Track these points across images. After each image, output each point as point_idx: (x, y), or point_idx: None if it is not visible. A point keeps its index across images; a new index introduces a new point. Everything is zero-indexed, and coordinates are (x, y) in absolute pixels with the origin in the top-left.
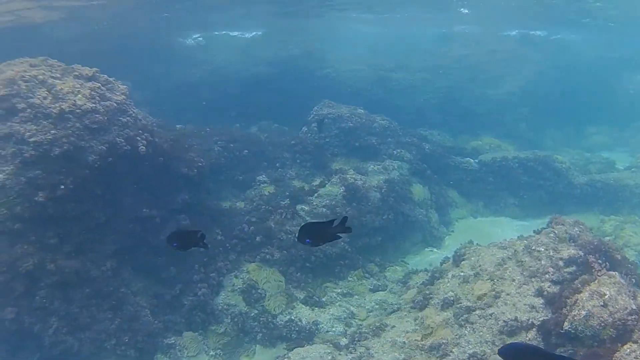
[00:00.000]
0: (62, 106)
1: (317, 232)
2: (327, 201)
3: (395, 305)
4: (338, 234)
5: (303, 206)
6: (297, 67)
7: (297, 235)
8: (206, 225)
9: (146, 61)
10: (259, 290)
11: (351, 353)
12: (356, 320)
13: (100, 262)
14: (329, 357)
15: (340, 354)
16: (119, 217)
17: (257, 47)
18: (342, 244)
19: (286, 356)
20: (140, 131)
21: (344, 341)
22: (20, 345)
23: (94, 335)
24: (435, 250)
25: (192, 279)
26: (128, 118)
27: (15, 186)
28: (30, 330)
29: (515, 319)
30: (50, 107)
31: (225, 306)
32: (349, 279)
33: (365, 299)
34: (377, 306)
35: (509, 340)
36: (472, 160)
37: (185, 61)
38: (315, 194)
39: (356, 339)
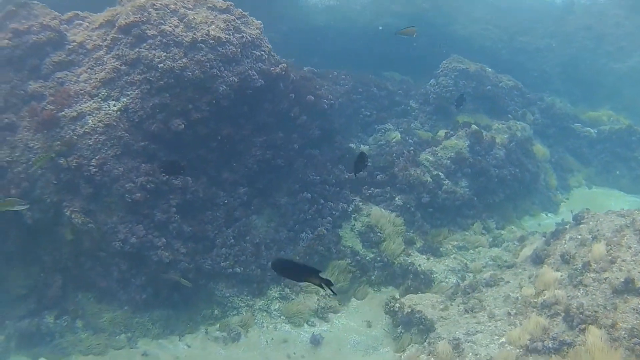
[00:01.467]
0: (194, 35)
1: (290, 271)
2: (452, 153)
3: (510, 263)
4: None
5: (427, 156)
6: (425, 21)
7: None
8: (335, 160)
9: (276, 1)
10: (378, 234)
11: (464, 303)
12: (470, 274)
13: (232, 189)
14: (441, 306)
15: (452, 305)
16: (252, 146)
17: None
18: (469, 193)
19: (399, 300)
20: (273, 66)
21: (457, 292)
22: (135, 265)
23: (212, 260)
24: (550, 215)
25: (316, 215)
26: (262, 52)
27: (139, 110)
28: (153, 246)
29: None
30: (181, 36)
31: (342, 245)
32: (466, 232)
33: (480, 254)
34: (491, 262)
35: (621, 304)
36: (591, 130)
37: (314, 5)
38: (440, 145)
39: (469, 290)
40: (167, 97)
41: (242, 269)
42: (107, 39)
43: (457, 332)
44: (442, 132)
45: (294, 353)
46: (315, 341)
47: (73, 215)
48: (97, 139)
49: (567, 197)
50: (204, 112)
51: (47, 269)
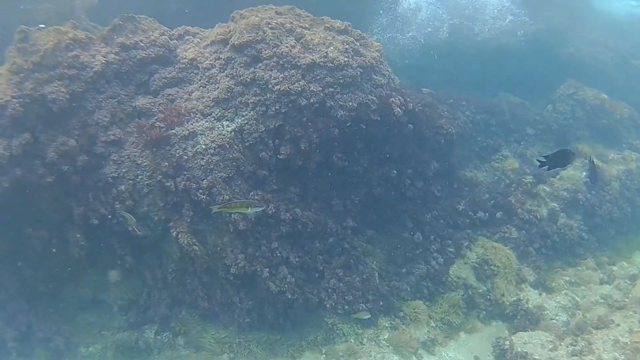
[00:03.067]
0: (312, 57)
1: None
2: (569, 185)
3: (621, 302)
4: None
5: (545, 187)
6: (540, 42)
7: None
8: (452, 193)
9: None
10: (491, 267)
11: (572, 345)
12: (580, 312)
13: (340, 219)
14: (550, 346)
15: (561, 345)
16: (365, 177)
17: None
18: (580, 231)
19: (508, 338)
20: (393, 92)
21: (566, 332)
22: (247, 290)
23: (319, 290)
24: None
25: (429, 248)
26: (381, 77)
27: (253, 132)
28: (256, 275)
29: None
30: (299, 57)
31: (455, 278)
32: (579, 268)
33: (591, 291)
34: (602, 300)
35: None
36: None
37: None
38: (558, 176)
39: (579, 331)
40: (281, 120)
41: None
42: (220, 57)
43: None
44: None
45: None
46: None
47: (180, 236)
48: (210, 160)
49: None
50: (317, 140)
51: (149, 284)
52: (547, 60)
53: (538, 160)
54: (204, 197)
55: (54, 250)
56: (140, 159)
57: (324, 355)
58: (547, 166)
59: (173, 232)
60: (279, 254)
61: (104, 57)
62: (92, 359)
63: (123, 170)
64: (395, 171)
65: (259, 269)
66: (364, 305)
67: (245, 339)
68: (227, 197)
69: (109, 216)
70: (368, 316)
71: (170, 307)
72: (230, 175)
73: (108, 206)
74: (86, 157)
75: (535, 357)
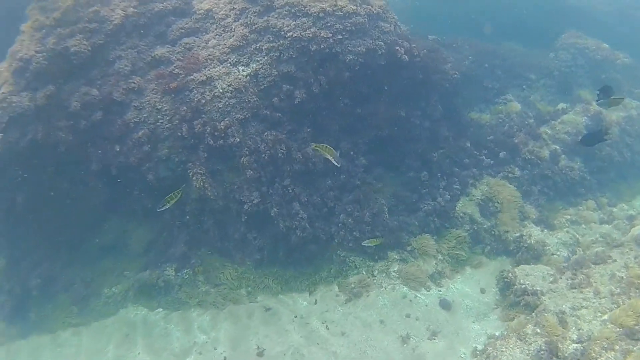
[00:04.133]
0: (322, 5)
1: None
2: (569, 128)
3: (618, 242)
4: None
5: (546, 129)
6: None
7: None
8: (457, 133)
9: None
10: (495, 204)
11: (572, 279)
12: (580, 249)
13: (353, 156)
14: (551, 279)
15: (561, 278)
16: (374, 116)
17: None
18: (580, 172)
19: (512, 270)
20: (399, 38)
21: (566, 266)
22: (257, 227)
23: (330, 225)
24: None
25: (438, 184)
26: (388, 24)
27: (267, 76)
28: (268, 214)
29: None
30: (310, 5)
31: (461, 214)
32: (580, 207)
33: (591, 230)
34: (600, 238)
35: None
36: None
37: None
38: (559, 119)
39: (579, 266)
40: (293, 65)
41: (360, 234)
42: (235, 7)
43: (563, 306)
44: (560, 106)
45: (411, 314)
46: (444, 304)
47: (194, 177)
48: (227, 103)
49: None
50: (328, 84)
51: (168, 225)
52: (550, 9)
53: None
54: (225, 138)
55: (74, 199)
56: (161, 104)
57: (337, 287)
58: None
59: (190, 172)
60: (291, 191)
61: (123, 10)
62: (114, 299)
63: (144, 115)
64: (403, 112)
65: (271, 206)
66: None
67: (262, 273)
68: (247, 136)
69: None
70: (380, 241)
71: (189, 246)
72: (247, 116)
73: (131, 148)
74: (108, 105)
75: (537, 289)
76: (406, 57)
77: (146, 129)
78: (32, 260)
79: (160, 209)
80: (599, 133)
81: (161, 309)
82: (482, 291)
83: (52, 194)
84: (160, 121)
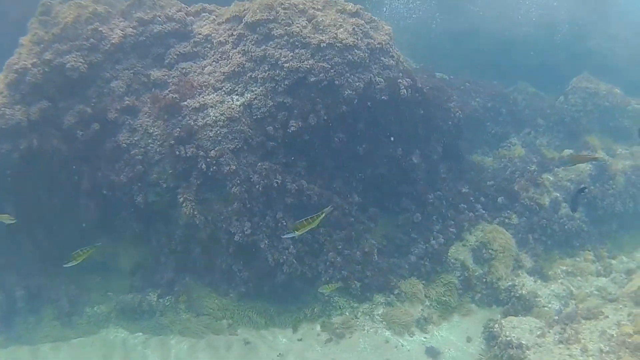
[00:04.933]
0: (322, 37)
1: None
2: (573, 176)
3: (614, 295)
4: None
5: (549, 176)
6: (562, 34)
7: None
8: (456, 176)
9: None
10: (489, 251)
11: (560, 334)
12: (573, 302)
13: (347, 194)
14: (539, 332)
15: (549, 332)
16: (370, 154)
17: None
18: (581, 223)
19: (498, 321)
20: (401, 74)
21: (557, 320)
22: (247, 258)
23: (317, 263)
24: None
25: (432, 227)
26: (390, 59)
27: (261, 107)
28: (258, 246)
29: None
30: (309, 37)
31: (453, 260)
32: (577, 258)
33: (587, 282)
34: (596, 292)
35: None
36: None
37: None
38: (562, 167)
39: (569, 320)
40: (289, 97)
41: (348, 274)
42: (234, 34)
43: None
44: (566, 152)
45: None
46: (429, 352)
47: (184, 204)
48: (218, 132)
49: None
50: (325, 116)
51: (155, 250)
52: (567, 52)
53: None
54: (214, 166)
55: (65, 215)
56: (153, 128)
57: (320, 326)
58: None
59: (180, 198)
60: (284, 223)
61: (122, 30)
62: (97, 318)
63: (135, 138)
64: (400, 151)
65: (261, 239)
66: (360, 282)
67: (245, 306)
68: (237, 167)
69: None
70: (336, 287)
71: (175, 272)
72: (238, 146)
73: (119, 172)
74: (98, 126)
75: (523, 342)
76: (405, 92)
77: (137, 151)
78: (20, 272)
79: (67, 265)
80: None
81: (141, 333)
82: (468, 340)
83: (42, 207)
84: (151, 145)
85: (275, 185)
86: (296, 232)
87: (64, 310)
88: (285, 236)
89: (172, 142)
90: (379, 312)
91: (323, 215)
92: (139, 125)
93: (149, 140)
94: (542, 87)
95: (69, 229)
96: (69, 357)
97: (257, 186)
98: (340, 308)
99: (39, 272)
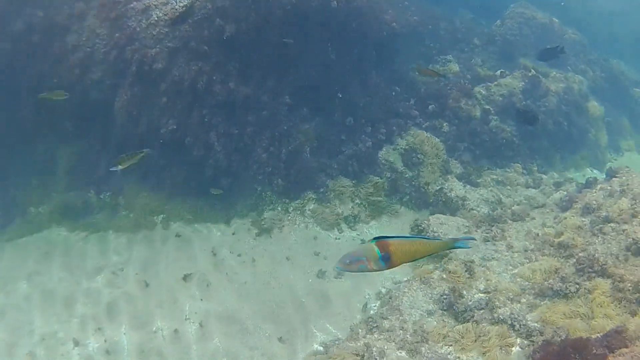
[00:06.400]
0: None
1: None
2: (505, 91)
3: (540, 203)
4: None
5: (481, 89)
6: None
7: None
8: (389, 82)
9: None
10: (418, 156)
11: (486, 232)
12: (501, 209)
13: (277, 95)
14: (465, 230)
15: (476, 231)
16: (304, 57)
17: None
18: (511, 135)
19: (426, 219)
20: None
21: (483, 220)
22: (172, 155)
23: (246, 159)
24: (596, 171)
25: (362, 130)
26: None
27: (201, 9)
28: (183, 143)
29: None
30: None
31: (383, 161)
32: (507, 169)
33: (516, 192)
34: (525, 201)
35: (632, 258)
36: None
37: None
38: (495, 82)
39: (496, 220)
40: (227, 2)
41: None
42: None
43: (473, 256)
44: (500, 71)
45: (320, 253)
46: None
47: (120, 103)
48: (160, 31)
49: (616, 157)
50: (255, 21)
51: (94, 148)
52: None
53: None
54: (154, 64)
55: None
56: (100, 29)
57: (252, 221)
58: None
59: (121, 94)
60: (207, 121)
61: None
62: (40, 218)
63: (83, 39)
64: (334, 56)
65: (186, 135)
66: (283, 180)
67: (176, 203)
68: (175, 65)
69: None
70: (220, 192)
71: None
72: (177, 46)
73: (66, 72)
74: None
75: (449, 237)
76: (336, 3)
77: (82, 52)
78: None
79: (113, 169)
80: (555, 49)
81: (81, 231)
82: None
83: None
84: (97, 45)
85: (200, 84)
86: (119, 166)
87: (7, 211)
88: (111, 168)
89: (116, 42)
90: (310, 208)
91: (143, 154)
92: (86, 27)
93: (96, 40)
94: (479, 15)
95: (10, 132)
96: (11, 256)
97: (185, 83)
98: (272, 203)
99: None
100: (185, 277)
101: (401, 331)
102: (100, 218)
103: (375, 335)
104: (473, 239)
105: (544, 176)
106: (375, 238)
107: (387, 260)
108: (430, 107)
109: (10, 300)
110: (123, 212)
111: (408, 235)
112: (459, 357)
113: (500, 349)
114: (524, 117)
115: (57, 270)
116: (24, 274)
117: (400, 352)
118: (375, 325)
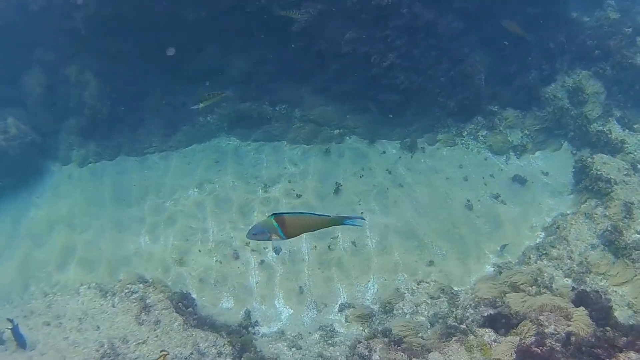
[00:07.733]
0: None
1: None
2: None
3: None
4: None
5: None
6: None
7: None
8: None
9: None
10: (584, 95)
11: None
12: None
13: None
14: (625, 172)
15: (635, 174)
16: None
17: None
18: None
19: (590, 156)
20: None
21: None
22: (351, 71)
23: (423, 80)
24: None
25: (528, 63)
26: None
27: None
28: (367, 59)
29: None
30: None
31: (551, 96)
32: None
33: None
34: None
35: None
36: None
37: None
38: None
39: None
40: None
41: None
42: None
43: (633, 198)
44: None
45: (490, 175)
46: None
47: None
48: None
49: None
50: None
51: (268, 58)
52: None
53: None
54: None
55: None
56: None
57: (426, 141)
58: None
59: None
60: (389, 41)
61: None
62: (208, 127)
63: None
64: None
65: (370, 53)
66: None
67: (350, 116)
68: None
69: None
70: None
71: (288, 81)
72: None
73: None
74: None
75: (611, 177)
76: None
77: None
78: (125, 79)
79: (194, 107)
80: None
81: (254, 141)
82: (560, 172)
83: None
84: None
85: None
86: (200, 104)
87: (174, 120)
88: (192, 107)
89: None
90: (483, 134)
91: (224, 94)
92: None
93: None
94: None
95: (174, 33)
96: (179, 163)
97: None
98: (447, 126)
99: (145, 79)
100: (363, 192)
101: (569, 260)
102: (274, 129)
103: (545, 262)
104: (363, 219)
105: None
106: (273, 214)
107: (284, 231)
108: (595, 52)
109: (179, 207)
110: (298, 124)
111: (301, 211)
112: (615, 291)
113: None
114: None
115: (230, 178)
116: (193, 181)
117: (566, 280)
118: (544, 252)
